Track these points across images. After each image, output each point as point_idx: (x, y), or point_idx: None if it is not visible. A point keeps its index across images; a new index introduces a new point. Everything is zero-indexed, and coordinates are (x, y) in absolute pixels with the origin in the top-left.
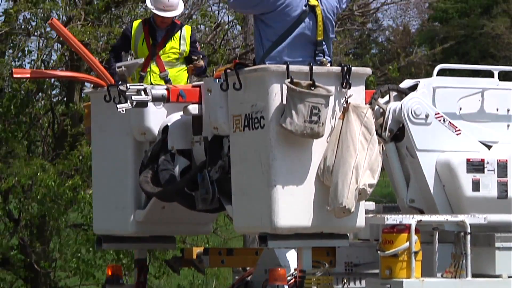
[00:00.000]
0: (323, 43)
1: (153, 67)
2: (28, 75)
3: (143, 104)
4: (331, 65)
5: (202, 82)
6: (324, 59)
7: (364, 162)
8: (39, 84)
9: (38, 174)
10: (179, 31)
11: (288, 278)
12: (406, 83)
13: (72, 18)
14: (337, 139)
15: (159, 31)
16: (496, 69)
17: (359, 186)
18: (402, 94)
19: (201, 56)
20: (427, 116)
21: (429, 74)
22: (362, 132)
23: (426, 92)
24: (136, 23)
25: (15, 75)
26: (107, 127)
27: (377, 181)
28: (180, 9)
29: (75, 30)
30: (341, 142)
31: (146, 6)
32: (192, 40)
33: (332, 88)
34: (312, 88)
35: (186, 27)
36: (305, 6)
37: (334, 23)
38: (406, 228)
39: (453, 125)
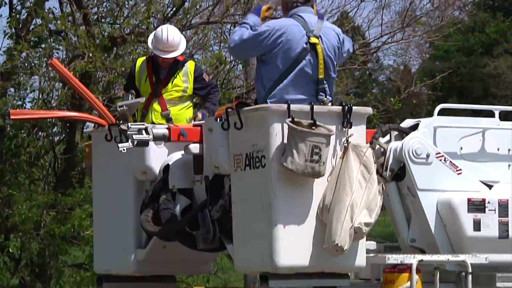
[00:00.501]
0: (325, 81)
1: (155, 105)
2: (27, 116)
3: (144, 143)
4: (332, 105)
5: (203, 122)
6: (326, 98)
7: (361, 201)
8: (40, 123)
9: (42, 216)
10: (182, 67)
11: None
12: (407, 123)
13: (75, 57)
14: (336, 178)
15: (162, 69)
16: (497, 109)
17: (355, 225)
18: (403, 133)
19: (200, 113)
20: (428, 156)
21: (430, 114)
22: (360, 171)
23: (427, 132)
24: (140, 61)
25: (12, 117)
26: (108, 166)
27: (375, 220)
28: (181, 48)
29: (80, 66)
30: (339, 181)
31: (147, 45)
32: (197, 75)
33: (333, 128)
34: (313, 128)
35: (190, 63)
36: (306, 44)
37: (335, 62)
38: (407, 267)
39: (454, 164)
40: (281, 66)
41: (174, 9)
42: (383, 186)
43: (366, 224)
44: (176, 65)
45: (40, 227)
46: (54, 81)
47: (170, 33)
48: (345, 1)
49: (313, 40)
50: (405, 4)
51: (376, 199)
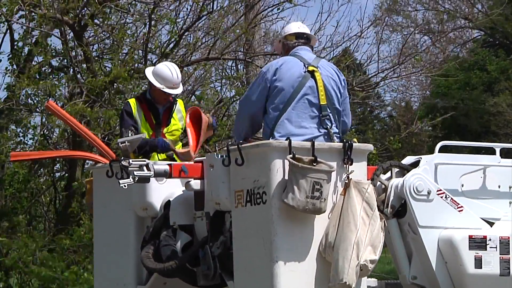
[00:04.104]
0: (328, 109)
1: None
2: (26, 157)
3: (145, 179)
4: (339, 138)
5: (205, 158)
6: (331, 129)
7: (366, 238)
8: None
9: (40, 253)
10: (174, 107)
11: None
12: (408, 160)
13: (74, 95)
14: (339, 215)
15: (158, 108)
16: (498, 146)
17: (360, 262)
18: (404, 170)
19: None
20: (429, 193)
21: (431, 151)
22: (363, 208)
23: (428, 169)
24: (133, 102)
25: (12, 159)
26: (109, 202)
27: (378, 257)
28: (181, 85)
29: (76, 108)
30: (342, 218)
31: (150, 83)
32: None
33: (334, 164)
34: (314, 164)
35: (179, 101)
36: (304, 72)
37: (338, 94)
38: None
39: (455, 201)
40: (283, 96)
41: (172, 44)
42: (385, 222)
43: (372, 261)
44: (171, 104)
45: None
46: (55, 118)
47: (176, 70)
48: (344, 38)
49: (311, 68)
50: (403, 40)
51: (379, 236)
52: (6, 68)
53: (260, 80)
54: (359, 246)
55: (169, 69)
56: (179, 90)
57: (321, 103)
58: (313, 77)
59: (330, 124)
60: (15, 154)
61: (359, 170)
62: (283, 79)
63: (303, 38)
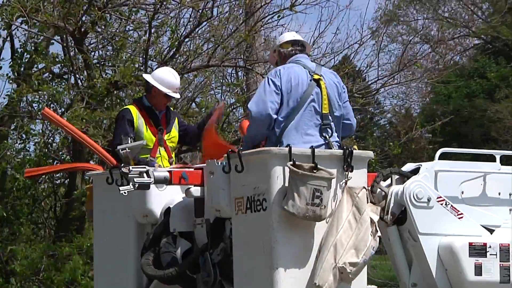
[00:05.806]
0: (330, 117)
1: (163, 152)
2: (40, 172)
3: (146, 186)
4: (339, 146)
5: (205, 165)
6: (331, 138)
7: (349, 240)
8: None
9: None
10: (170, 113)
11: None
12: (408, 167)
13: (73, 102)
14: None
15: (158, 115)
16: (498, 153)
17: (339, 265)
18: (404, 177)
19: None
20: (429, 200)
21: (431, 158)
22: (352, 212)
23: (428, 176)
24: (133, 109)
25: (26, 175)
26: (109, 209)
27: (362, 260)
28: None
29: (77, 113)
30: (330, 223)
31: (153, 88)
32: (180, 121)
33: (334, 171)
34: (315, 171)
35: (173, 110)
36: (311, 80)
37: (338, 101)
38: None
39: (455, 208)
40: (291, 103)
41: (172, 51)
42: (377, 227)
43: (351, 264)
44: (168, 110)
45: (40, 271)
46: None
47: (176, 74)
48: (343, 45)
49: (316, 76)
50: (402, 48)
51: (366, 239)
52: (7, 74)
53: (269, 85)
54: (337, 248)
55: (172, 73)
56: (179, 95)
57: (323, 111)
58: (319, 85)
59: (330, 133)
60: (29, 170)
61: (359, 177)
62: (292, 85)
63: (299, 46)
